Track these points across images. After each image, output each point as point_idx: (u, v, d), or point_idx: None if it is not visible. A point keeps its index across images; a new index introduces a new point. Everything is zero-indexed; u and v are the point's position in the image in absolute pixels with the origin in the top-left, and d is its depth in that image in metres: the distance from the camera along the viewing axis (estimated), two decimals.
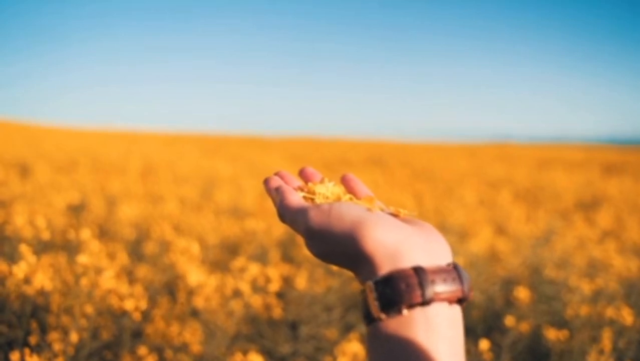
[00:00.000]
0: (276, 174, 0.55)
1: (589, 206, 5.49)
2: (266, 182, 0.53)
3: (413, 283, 0.38)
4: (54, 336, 1.53)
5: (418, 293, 0.38)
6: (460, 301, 0.40)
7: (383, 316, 0.39)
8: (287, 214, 0.47)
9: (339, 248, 0.42)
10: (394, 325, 0.39)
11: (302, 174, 0.55)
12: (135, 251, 2.86)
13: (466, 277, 0.41)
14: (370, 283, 0.40)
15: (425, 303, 0.38)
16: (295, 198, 0.48)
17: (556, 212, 4.88)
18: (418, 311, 0.38)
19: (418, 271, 0.39)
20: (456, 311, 0.40)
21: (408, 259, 0.40)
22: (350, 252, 0.41)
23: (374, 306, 0.39)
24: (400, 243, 0.40)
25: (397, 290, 0.38)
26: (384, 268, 0.40)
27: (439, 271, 0.40)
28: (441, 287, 0.39)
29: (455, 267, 0.41)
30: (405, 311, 0.38)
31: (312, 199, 0.51)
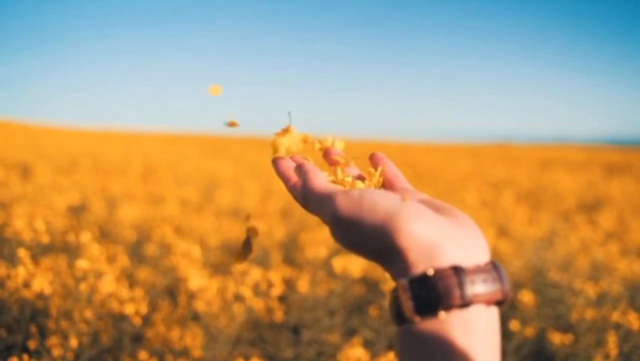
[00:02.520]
0: (292, 159, 0.51)
1: (591, 207, 5.47)
2: (277, 163, 0.49)
3: (452, 283, 0.35)
4: (53, 341, 1.51)
5: (457, 294, 0.35)
6: (499, 303, 0.38)
7: (417, 318, 0.36)
8: (312, 197, 0.43)
9: (369, 240, 0.39)
10: (428, 327, 0.36)
11: (327, 157, 0.52)
12: (136, 253, 2.85)
13: (506, 277, 0.38)
14: (403, 282, 0.37)
15: (464, 305, 0.35)
16: (322, 181, 0.44)
17: (558, 213, 4.86)
18: (455, 314, 0.36)
19: (457, 270, 0.36)
20: (494, 313, 0.37)
21: (446, 257, 0.37)
22: (382, 246, 0.38)
23: (408, 306, 0.36)
24: (438, 238, 0.37)
25: (435, 291, 0.35)
26: (419, 265, 0.36)
27: (479, 270, 0.37)
28: (481, 288, 0.36)
29: (494, 266, 0.38)
30: (442, 314, 0.35)
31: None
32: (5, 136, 12.51)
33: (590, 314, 2.08)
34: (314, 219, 3.79)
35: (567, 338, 1.96)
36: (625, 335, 1.95)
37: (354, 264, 2.13)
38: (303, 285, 2.18)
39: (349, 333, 2.22)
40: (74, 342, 1.49)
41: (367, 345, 2.01)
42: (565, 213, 4.95)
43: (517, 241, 3.34)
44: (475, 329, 0.36)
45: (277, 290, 1.86)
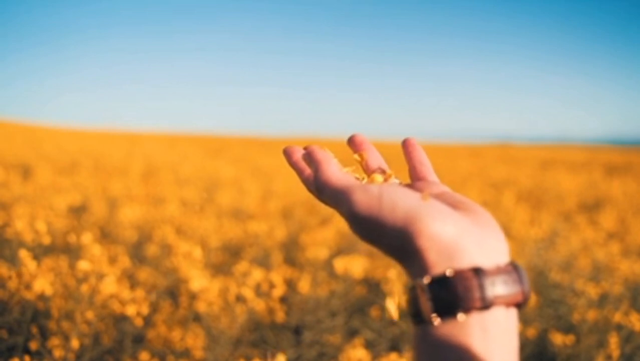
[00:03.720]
0: (305, 149, 0.48)
1: (592, 208, 5.46)
2: (288, 153, 0.47)
3: (472, 285, 0.35)
4: (54, 341, 1.51)
5: (477, 296, 0.34)
6: (519, 304, 0.37)
7: (436, 319, 0.35)
8: (327, 191, 0.41)
9: (388, 238, 0.38)
10: (446, 328, 0.35)
11: (351, 142, 0.51)
12: (137, 254, 2.84)
13: (526, 278, 0.37)
14: (422, 282, 0.36)
15: (483, 307, 0.35)
16: (335, 171, 0.42)
17: (559, 213, 4.85)
18: (474, 316, 0.35)
19: (477, 272, 0.35)
20: (513, 315, 0.37)
21: (466, 258, 0.36)
22: (401, 245, 0.37)
23: (426, 308, 0.35)
24: (457, 238, 0.36)
25: (454, 293, 0.35)
26: (439, 266, 0.36)
27: (499, 272, 0.36)
28: (501, 290, 0.35)
29: (514, 267, 0.37)
30: (461, 316, 0.35)
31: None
32: (5, 137, 12.52)
33: (591, 315, 2.08)
34: (314, 220, 3.79)
35: (569, 339, 1.95)
36: (627, 335, 1.94)
37: (355, 265, 2.13)
38: (304, 286, 2.17)
39: (350, 334, 2.22)
40: (75, 343, 1.49)
41: (369, 345, 2.00)
42: (566, 213, 4.95)
43: (518, 241, 3.34)
44: (494, 331, 0.35)
45: (279, 291, 1.86)
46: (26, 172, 5.53)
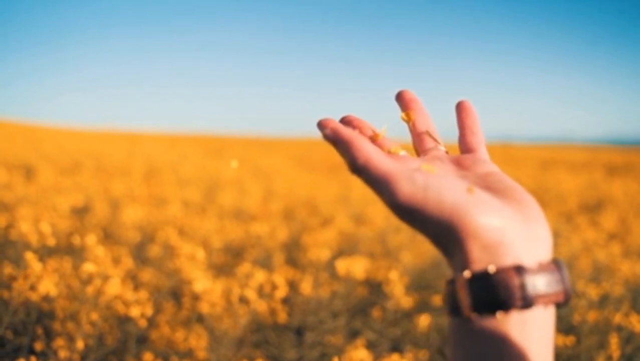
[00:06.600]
0: (342, 120, 0.46)
1: (593, 208, 5.47)
2: (323, 125, 0.42)
3: (513, 285, 0.34)
4: (59, 342, 1.53)
5: (518, 296, 0.34)
6: (559, 304, 0.36)
7: (474, 316, 0.35)
8: (366, 176, 0.39)
9: (432, 229, 0.37)
10: (485, 325, 0.35)
11: (400, 99, 0.49)
12: (140, 255, 2.85)
13: (568, 277, 0.36)
14: (463, 277, 0.35)
15: (524, 307, 0.34)
16: (373, 152, 0.39)
17: (560, 214, 4.86)
18: (514, 315, 0.34)
19: (520, 270, 0.34)
20: (551, 313, 0.36)
21: (510, 255, 0.35)
22: (444, 236, 0.36)
23: (466, 303, 0.35)
24: (504, 233, 0.35)
25: (495, 291, 0.34)
26: (481, 261, 0.35)
27: (542, 270, 0.35)
28: (543, 290, 0.35)
29: (557, 265, 0.36)
30: (500, 314, 0.34)
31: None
32: (6, 137, 12.53)
33: (592, 316, 2.08)
34: (316, 221, 3.80)
35: (570, 340, 1.96)
36: (628, 336, 1.95)
37: (357, 266, 2.15)
38: (306, 287, 2.19)
39: (352, 335, 2.23)
40: (80, 344, 1.50)
41: (370, 346, 2.02)
42: (567, 213, 4.95)
43: None
44: (532, 331, 0.35)
45: (281, 292, 1.87)
46: (28, 173, 5.54)
